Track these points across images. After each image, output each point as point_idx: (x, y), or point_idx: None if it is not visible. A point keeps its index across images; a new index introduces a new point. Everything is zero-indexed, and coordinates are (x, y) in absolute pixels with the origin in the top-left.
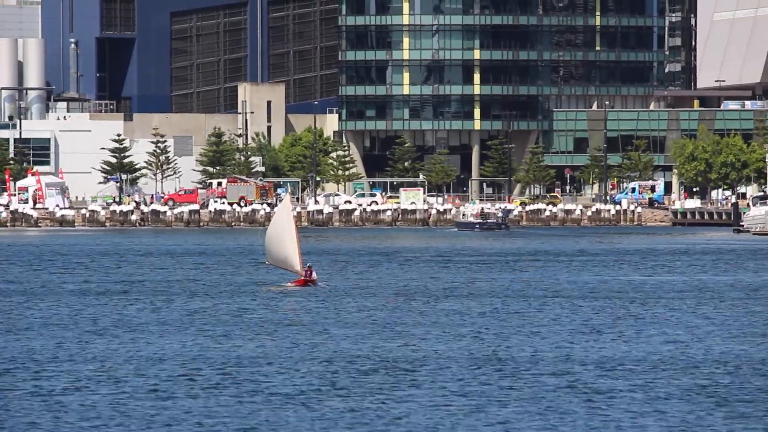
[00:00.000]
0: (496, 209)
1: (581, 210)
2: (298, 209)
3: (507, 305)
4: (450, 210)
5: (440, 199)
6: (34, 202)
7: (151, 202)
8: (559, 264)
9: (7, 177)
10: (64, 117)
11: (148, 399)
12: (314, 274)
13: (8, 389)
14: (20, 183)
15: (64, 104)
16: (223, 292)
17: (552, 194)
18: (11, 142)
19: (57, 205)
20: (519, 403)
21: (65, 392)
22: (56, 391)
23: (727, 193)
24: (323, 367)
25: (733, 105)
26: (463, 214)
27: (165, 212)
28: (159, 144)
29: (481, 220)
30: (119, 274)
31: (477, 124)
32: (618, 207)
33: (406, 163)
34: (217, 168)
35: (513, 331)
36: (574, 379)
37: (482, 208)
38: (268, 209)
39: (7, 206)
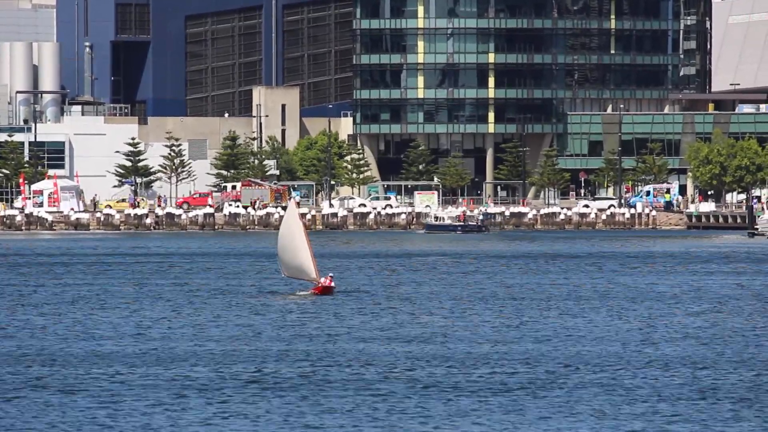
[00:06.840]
0: (476, 213)
1: (596, 213)
2: (313, 212)
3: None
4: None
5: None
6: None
7: (159, 206)
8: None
9: (21, 181)
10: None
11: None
12: (332, 282)
13: None
14: (35, 186)
15: (78, 108)
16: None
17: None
18: (26, 145)
19: (71, 209)
20: None
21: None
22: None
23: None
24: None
25: (747, 108)
26: (436, 217)
27: (180, 215)
28: (173, 147)
29: (463, 223)
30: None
31: (491, 128)
32: (633, 210)
33: (420, 167)
34: (232, 171)
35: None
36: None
37: (465, 211)
38: (282, 213)
39: (22, 210)
